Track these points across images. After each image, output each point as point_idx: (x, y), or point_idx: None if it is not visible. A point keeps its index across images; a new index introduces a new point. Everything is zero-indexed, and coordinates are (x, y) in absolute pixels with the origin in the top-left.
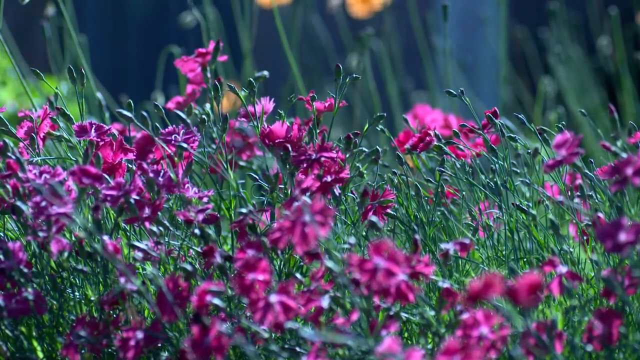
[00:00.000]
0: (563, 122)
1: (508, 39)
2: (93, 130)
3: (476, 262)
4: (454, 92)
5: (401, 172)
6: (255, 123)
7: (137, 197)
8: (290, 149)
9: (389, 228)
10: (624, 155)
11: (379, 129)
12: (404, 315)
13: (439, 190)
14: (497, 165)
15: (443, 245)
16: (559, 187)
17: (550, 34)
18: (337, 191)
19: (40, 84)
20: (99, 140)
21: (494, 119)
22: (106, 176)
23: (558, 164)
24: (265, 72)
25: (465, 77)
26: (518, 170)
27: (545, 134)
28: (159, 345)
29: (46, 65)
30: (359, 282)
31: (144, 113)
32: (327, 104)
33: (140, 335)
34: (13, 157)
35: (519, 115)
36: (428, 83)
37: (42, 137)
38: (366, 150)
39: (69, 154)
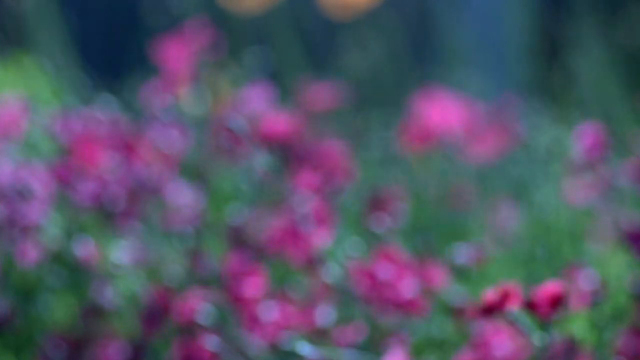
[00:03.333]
0: (589, 110)
1: (531, 21)
2: (70, 124)
3: (492, 271)
4: (469, 84)
5: (409, 172)
6: (250, 118)
7: (118, 200)
8: (288, 146)
9: (395, 233)
10: None
11: (384, 126)
12: (411, 328)
13: (451, 191)
14: (516, 162)
15: (455, 252)
16: (583, 187)
17: (577, 15)
18: (339, 193)
19: (12, 69)
20: (76, 136)
21: (514, 108)
22: (83, 176)
23: (584, 164)
24: (263, 66)
25: (485, 62)
26: (538, 169)
27: (572, 123)
28: None
29: (17, 46)
30: (363, 292)
31: (126, 105)
32: (329, 99)
33: (120, 350)
34: None
35: (542, 101)
36: (441, 72)
37: (13, 132)
38: (371, 148)
39: (42, 152)
